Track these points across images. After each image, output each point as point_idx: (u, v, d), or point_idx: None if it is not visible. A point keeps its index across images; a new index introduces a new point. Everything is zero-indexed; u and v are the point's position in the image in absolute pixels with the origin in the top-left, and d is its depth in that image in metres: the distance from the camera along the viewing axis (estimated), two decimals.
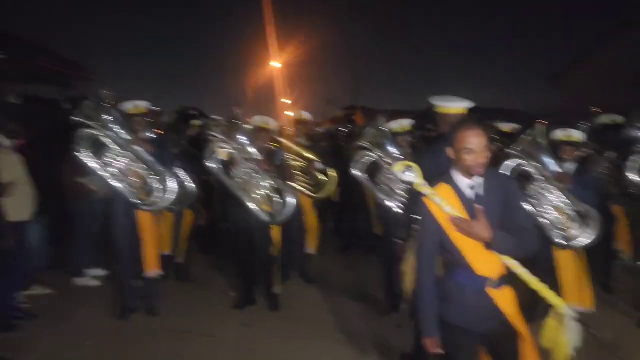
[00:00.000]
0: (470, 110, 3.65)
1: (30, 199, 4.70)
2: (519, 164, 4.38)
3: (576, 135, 4.48)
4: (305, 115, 6.14)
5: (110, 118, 4.41)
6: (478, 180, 2.55)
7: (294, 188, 5.10)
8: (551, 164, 4.32)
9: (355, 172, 4.76)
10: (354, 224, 7.55)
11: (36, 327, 4.55)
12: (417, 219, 3.78)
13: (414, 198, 3.72)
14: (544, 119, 4.66)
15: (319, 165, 5.80)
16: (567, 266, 4.40)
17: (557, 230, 4.26)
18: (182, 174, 5.08)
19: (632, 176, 4.52)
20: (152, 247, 4.74)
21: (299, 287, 5.77)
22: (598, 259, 5.70)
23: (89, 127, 4.37)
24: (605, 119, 5.62)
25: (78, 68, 10.43)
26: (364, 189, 6.65)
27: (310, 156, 5.73)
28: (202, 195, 6.46)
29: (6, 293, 4.59)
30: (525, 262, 2.58)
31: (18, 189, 4.50)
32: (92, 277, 5.73)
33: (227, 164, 4.77)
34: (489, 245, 2.47)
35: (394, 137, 4.77)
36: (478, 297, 2.54)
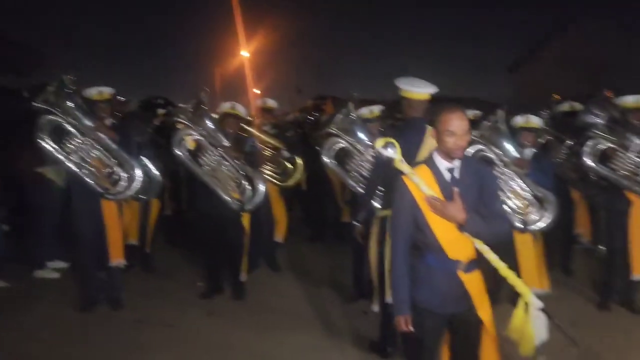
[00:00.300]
0: (433, 100, 3.69)
1: None
2: (479, 150, 4.48)
3: (534, 121, 4.61)
4: (271, 102, 6.11)
5: (73, 105, 4.28)
6: (456, 163, 2.59)
7: (264, 175, 5.05)
8: (511, 149, 4.42)
9: (326, 159, 4.76)
10: (323, 212, 7.58)
11: None
12: (376, 204, 3.92)
13: (374, 181, 3.82)
14: (504, 107, 4.78)
15: (285, 153, 5.77)
16: (526, 250, 4.53)
17: (516, 215, 4.37)
18: (147, 162, 4.98)
19: (587, 162, 4.64)
20: (117, 236, 4.65)
21: (267, 276, 5.75)
22: (558, 243, 5.93)
23: (51, 114, 4.23)
24: (564, 106, 5.78)
25: (30, 52, 10.07)
26: (331, 176, 6.71)
27: (277, 144, 5.69)
28: (170, 185, 6.37)
29: None
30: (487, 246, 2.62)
31: None
32: (53, 269, 5.58)
33: (196, 152, 4.70)
34: (462, 228, 2.51)
35: (364, 123, 4.79)
36: (448, 280, 2.59)
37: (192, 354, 3.99)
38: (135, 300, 4.88)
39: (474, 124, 5.09)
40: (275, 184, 5.72)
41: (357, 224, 4.08)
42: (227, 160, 4.72)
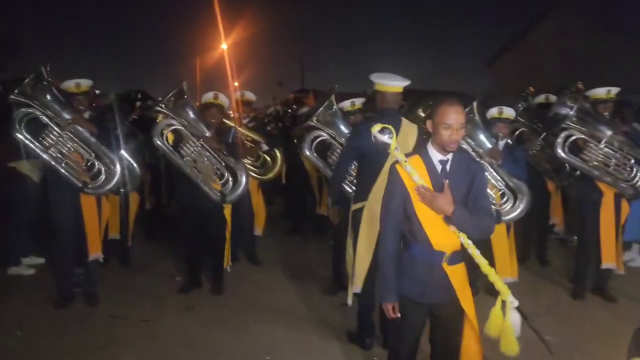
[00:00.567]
0: (410, 92, 3.77)
1: None
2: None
3: (508, 112, 4.69)
4: (249, 95, 6.03)
5: (50, 97, 4.23)
6: (449, 157, 2.62)
7: (246, 167, 5.04)
8: (485, 141, 4.50)
9: (306, 151, 4.78)
10: (302, 205, 7.62)
11: None
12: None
13: (344, 164, 3.92)
14: (478, 98, 4.86)
15: (264, 146, 5.78)
16: (500, 240, 4.62)
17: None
18: (126, 155, 4.92)
19: (560, 153, 4.73)
20: (96, 230, 4.60)
21: (246, 270, 5.73)
22: (534, 234, 6.07)
23: (28, 106, 4.18)
24: (540, 98, 5.89)
25: (5, 45, 9.86)
26: (308, 169, 6.76)
27: (256, 137, 5.69)
28: (149, 178, 6.34)
29: None
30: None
31: None
32: (28, 265, 5.50)
33: (177, 142, 4.66)
34: (448, 220, 2.55)
35: (346, 116, 4.82)
36: (431, 271, 2.63)
37: (170, 349, 3.94)
38: (112, 296, 4.83)
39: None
40: (254, 177, 5.72)
41: (331, 206, 4.17)
42: (208, 151, 4.68)
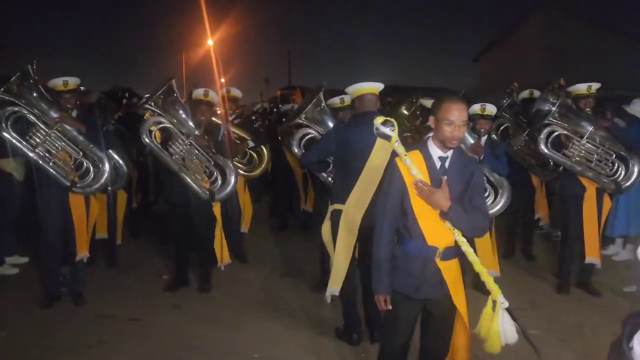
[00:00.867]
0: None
1: None
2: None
3: (490, 109, 4.75)
4: (235, 92, 5.99)
5: (37, 95, 4.19)
6: (449, 154, 2.65)
7: (235, 165, 5.04)
8: (466, 136, 4.54)
9: (295, 149, 4.80)
10: (289, 202, 7.64)
11: None
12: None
13: (322, 150, 3.97)
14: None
15: (251, 143, 5.78)
16: None
17: None
18: (113, 154, 4.90)
19: (543, 148, 4.79)
20: (84, 230, 4.58)
21: (233, 267, 5.64)
22: (520, 229, 6.15)
23: (13, 105, 4.14)
24: (524, 93, 5.96)
25: None
26: (293, 166, 6.80)
27: (243, 134, 5.69)
28: (137, 176, 6.32)
29: None
30: None
31: None
32: (12, 265, 5.45)
33: (165, 140, 4.63)
34: (444, 216, 2.58)
35: (335, 112, 4.85)
36: (424, 265, 2.65)
37: (159, 347, 3.93)
38: (99, 295, 4.81)
39: (430, 111, 5.24)
40: (241, 174, 5.72)
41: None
42: (197, 149, 4.66)
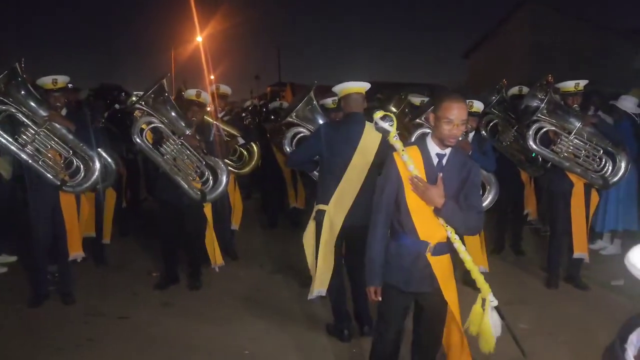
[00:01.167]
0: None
1: None
2: (424, 133, 4.64)
3: (477, 106, 4.78)
4: (225, 88, 5.97)
5: (25, 94, 4.15)
6: (447, 151, 2.68)
7: (226, 165, 5.03)
8: None
9: (287, 148, 4.80)
10: (280, 199, 7.65)
11: None
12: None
13: (309, 149, 3.97)
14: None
15: (241, 140, 5.77)
16: None
17: None
18: (102, 152, 4.86)
19: (532, 144, 4.82)
20: (76, 229, 4.57)
21: (224, 264, 5.63)
22: (509, 224, 6.20)
23: (1, 103, 4.10)
24: (513, 90, 6.00)
25: None
26: (281, 164, 6.81)
27: (232, 131, 5.69)
28: (126, 174, 6.29)
29: None
30: None
31: None
32: (0, 264, 5.41)
33: (157, 140, 4.61)
34: (437, 212, 2.61)
35: (327, 112, 4.85)
36: (415, 259, 2.69)
37: (148, 345, 3.92)
38: (88, 293, 4.78)
39: (419, 109, 5.28)
40: (231, 171, 5.71)
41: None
42: (188, 149, 4.65)
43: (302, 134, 4.77)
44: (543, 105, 4.68)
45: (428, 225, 2.66)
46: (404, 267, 2.71)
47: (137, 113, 4.84)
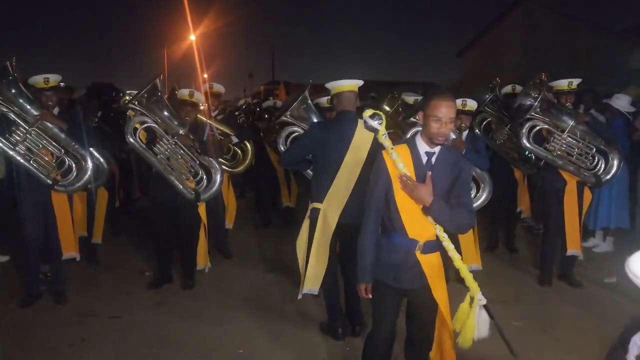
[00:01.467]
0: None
1: None
2: (417, 131, 4.64)
3: (470, 104, 4.80)
4: (218, 87, 5.95)
5: (16, 93, 4.11)
6: (436, 150, 2.67)
7: (220, 164, 5.01)
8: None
9: (281, 147, 4.78)
10: (273, 198, 7.64)
11: None
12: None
13: (301, 149, 3.96)
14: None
15: (234, 139, 5.76)
16: None
17: None
18: (94, 151, 4.84)
19: (525, 143, 4.84)
20: (69, 229, 4.53)
21: (217, 263, 5.66)
22: (502, 222, 6.22)
23: None
24: (507, 88, 6.02)
25: None
26: (274, 163, 6.80)
27: (226, 130, 5.67)
28: (119, 174, 6.26)
29: None
30: None
31: None
32: None
33: (150, 140, 4.59)
34: (426, 211, 2.61)
35: (322, 112, 4.84)
36: (404, 257, 2.70)
37: (142, 344, 3.90)
38: (80, 293, 4.77)
39: (413, 107, 5.29)
40: (225, 170, 5.70)
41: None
42: (182, 149, 4.63)
43: (296, 133, 4.76)
44: (536, 103, 4.69)
45: (417, 224, 2.66)
46: (393, 264, 2.72)
47: (130, 113, 4.80)
